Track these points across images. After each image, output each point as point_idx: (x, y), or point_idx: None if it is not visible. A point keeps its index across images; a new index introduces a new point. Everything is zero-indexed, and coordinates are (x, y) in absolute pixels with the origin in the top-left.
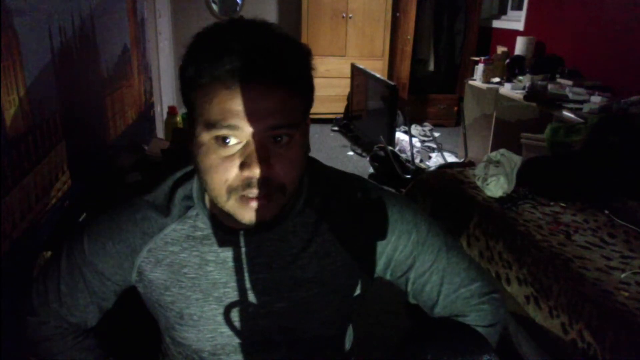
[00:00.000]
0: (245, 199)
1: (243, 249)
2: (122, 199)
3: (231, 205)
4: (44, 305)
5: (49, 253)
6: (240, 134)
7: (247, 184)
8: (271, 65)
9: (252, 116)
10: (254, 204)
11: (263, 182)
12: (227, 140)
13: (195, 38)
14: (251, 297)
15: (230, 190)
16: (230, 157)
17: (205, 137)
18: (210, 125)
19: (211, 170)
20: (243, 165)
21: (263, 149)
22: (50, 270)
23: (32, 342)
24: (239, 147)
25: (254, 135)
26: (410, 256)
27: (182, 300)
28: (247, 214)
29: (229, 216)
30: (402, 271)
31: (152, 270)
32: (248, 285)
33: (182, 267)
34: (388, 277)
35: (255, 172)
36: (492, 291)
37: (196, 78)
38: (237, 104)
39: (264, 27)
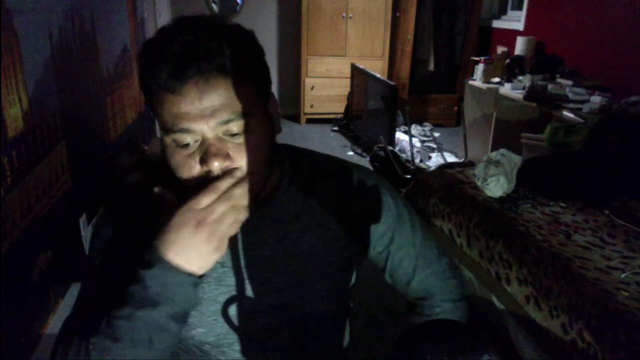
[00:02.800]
0: None
1: None
2: (119, 191)
3: None
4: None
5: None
6: (194, 134)
7: (211, 177)
8: (205, 60)
9: (199, 116)
10: None
11: (223, 173)
12: (185, 142)
13: (142, 47)
14: (250, 274)
15: (199, 184)
16: (191, 155)
17: (167, 139)
18: (166, 130)
19: (178, 169)
20: (202, 161)
21: (218, 143)
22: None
23: None
24: (197, 144)
25: (207, 132)
26: (390, 229)
27: None
28: None
29: None
30: (384, 245)
31: None
32: (245, 262)
33: None
34: (372, 252)
35: (212, 166)
36: (457, 266)
37: (147, 84)
38: (182, 107)
39: (198, 23)
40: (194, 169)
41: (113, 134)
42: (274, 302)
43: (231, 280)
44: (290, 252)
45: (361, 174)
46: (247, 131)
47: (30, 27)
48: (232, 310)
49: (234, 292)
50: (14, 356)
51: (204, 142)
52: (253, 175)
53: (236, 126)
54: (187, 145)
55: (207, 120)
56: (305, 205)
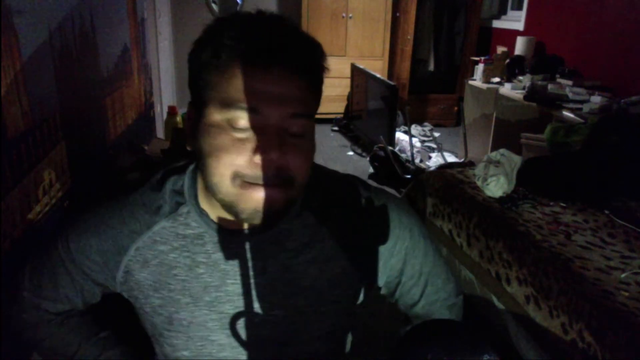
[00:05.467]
0: (250, 186)
1: (236, 251)
2: (109, 195)
3: (233, 192)
4: (19, 293)
5: None
6: (259, 118)
7: (257, 170)
8: (297, 52)
9: (274, 99)
10: (261, 192)
11: (275, 170)
12: (240, 124)
13: (214, 24)
14: (245, 303)
15: (236, 176)
16: (242, 140)
17: (217, 117)
18: (227, 104)
19: (219, 153)
20: (257, 150)
21: (280, 135)
22: (34, 263)
23: (15, 331)
24: (251, 132)
25: (274, 119)
26: (401, 260)
27: (172, 304)
28: (252, 201)
29: (225, 214)
30: (394, 276)
31: (140, 270)
32: (241, 290)
33: (172, 269)
34: (381, 283)
35: (272, 157)
36: (461, 291)
37: (213, 58)
38: (259, 84)
39: (286, 19)
40: (241, 156)
41: (113, 134)
42: (268, 336)
43: (225, 306)
44: (291, 285)
45: (377, 200)
46: (304, 135)
47: (30, 27)
48: (223, 339)
49: (225, 320)
50: (14, 356)
51: (264, 129)
52: (294, 184)
53: (302, 125)
54: (239, 128)
55: (281, 107)
56: (316, 234)
